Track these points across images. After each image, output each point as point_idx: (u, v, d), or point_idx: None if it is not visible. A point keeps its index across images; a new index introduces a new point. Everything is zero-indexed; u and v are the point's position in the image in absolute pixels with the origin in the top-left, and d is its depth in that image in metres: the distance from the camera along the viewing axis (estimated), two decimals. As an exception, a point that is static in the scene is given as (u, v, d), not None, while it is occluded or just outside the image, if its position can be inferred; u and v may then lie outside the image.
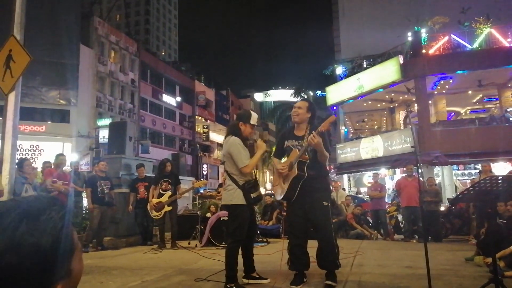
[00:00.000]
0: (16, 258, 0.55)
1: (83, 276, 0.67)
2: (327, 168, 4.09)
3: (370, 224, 9.32)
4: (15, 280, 0.55)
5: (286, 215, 4.34)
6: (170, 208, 6.83)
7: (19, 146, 18.61)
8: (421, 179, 7.89)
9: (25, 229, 0.57)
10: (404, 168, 10.10)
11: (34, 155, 20.78)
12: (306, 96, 31.67)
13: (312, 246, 3.78)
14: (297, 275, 3.70)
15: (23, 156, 17.82)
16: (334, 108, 21.65)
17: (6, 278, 0.54)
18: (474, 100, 20.02)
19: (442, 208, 9.11)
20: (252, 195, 3.63)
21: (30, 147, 21.57)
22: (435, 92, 18.39)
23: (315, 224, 3.71)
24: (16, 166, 5.86)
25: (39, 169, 8.10)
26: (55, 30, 21.28)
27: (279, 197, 3.86)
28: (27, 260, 0.55)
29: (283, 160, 3.99)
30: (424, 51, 17.02)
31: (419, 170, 3.77)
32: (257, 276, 3.83)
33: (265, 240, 7.35)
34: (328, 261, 3.64)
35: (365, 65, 19.81)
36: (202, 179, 17.58)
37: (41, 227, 0.58)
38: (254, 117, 3.79)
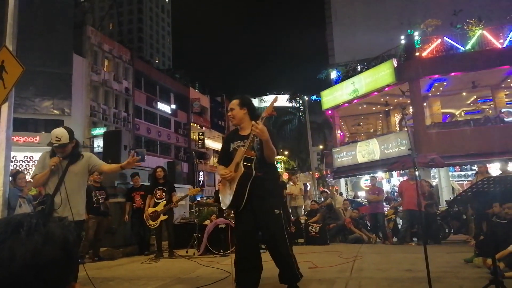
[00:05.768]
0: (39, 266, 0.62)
1: (80, 288, 0.73)
2: (278, 171, 3.82)
3: (369, 228, 9.29)
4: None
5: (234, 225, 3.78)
6: (166, 216, 6.76)
7: (12, 158, 18.45)
8: (422, 182, 7.93)
9: (41, 240, 0.63)
10: (402, 171, 10.11)
11: (29, 167, 20.60)
12: (301, 101, 31.77)
13: (269, 260, 3.44)
14: None
15: (18, 168, 17.66)
16: (330, 112, 21.73)
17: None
18: (469, 102, 20.19)
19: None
20: None
21: (24, 158, 21.37)
22: (430, 94, 18.52)
23: (268, 234, 3.35)
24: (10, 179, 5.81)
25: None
26: (48, 40, 21.21)
27: (227, 202, 3.34)
28: (48, 270, 0.62)
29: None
30: (417, 53, 17.15)
31: (417, 173, 3.76)
32: None
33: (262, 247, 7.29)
34: (287, 274, 3.33)
35: (359, 69, 19.94)
36: (195, 187, 17.50)
37: (54, 238, 0.64)
38: (52, 136, 3.51)
